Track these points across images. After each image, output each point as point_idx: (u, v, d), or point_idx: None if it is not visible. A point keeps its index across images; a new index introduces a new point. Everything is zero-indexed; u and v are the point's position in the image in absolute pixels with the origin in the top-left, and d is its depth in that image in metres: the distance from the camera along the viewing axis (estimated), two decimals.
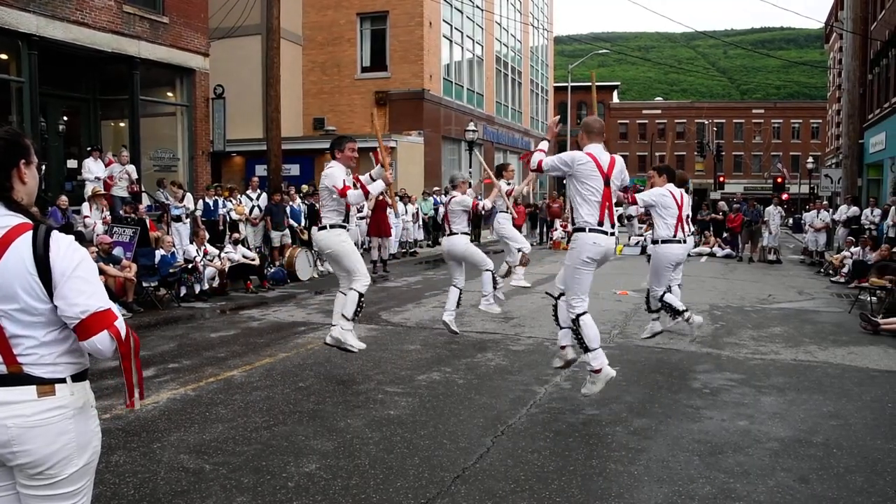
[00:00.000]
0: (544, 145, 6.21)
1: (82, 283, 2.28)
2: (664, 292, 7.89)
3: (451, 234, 8.75)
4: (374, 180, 7.32)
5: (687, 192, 9.14)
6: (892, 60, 24.51)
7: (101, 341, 2.29)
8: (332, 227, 6.99)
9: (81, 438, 2.36)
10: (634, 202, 7.55)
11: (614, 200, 5.85)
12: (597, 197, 5.71)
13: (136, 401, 2.49)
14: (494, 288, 8.98)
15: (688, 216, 8.12)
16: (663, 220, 7.53)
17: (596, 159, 5.75)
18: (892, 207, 16.26)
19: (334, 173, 6.93)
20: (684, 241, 7.59)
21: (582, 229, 5.78)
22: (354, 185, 7.11)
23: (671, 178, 7.93)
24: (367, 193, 7.13)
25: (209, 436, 5.29)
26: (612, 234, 5.81)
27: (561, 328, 6.34)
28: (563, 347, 6.38)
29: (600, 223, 5.71)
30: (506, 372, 7.27)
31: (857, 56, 21.84)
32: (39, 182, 2.49)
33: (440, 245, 21.53)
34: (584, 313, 5.88)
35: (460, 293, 8.89)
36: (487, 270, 8.81)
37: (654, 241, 7.82)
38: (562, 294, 6.22)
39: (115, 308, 2.36)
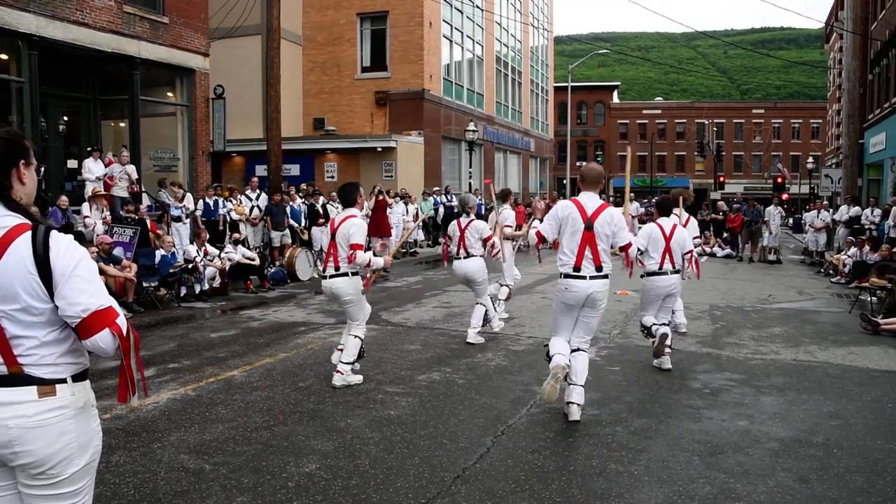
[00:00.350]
0: (535, 223, 6.35)
1: (83, 282, 2.28)
2: (654, 323, 7.68)
3: (469, 256, 8.75)
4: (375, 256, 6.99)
5: (686, 208, 9.31)
6: (892, 60, 24.50)
7: (104, 339, 2.29)
8: (353, 274, 6.79)
9: (82, 438, 2.36)
10: (629, 262, 7.08)
11: (600, 246, 5.69)
12: (576, 241, 5.69)
13: (135, 398, 2.49)
14: (484, 323, 8.80)
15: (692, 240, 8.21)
16: (649, 255, 7.53)
17: (580, 206, 5.75)
18: (893, 207, 16.25)
19: (362, 228, 6.83)
20: (671, 273, 7.52)
21: (560, 275, 5.83)
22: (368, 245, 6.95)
23: (663, 212, 7.94)
24: (367, 264, 6.80)
25: (209, 436, 5.30)
26: (594, 276, 5.69)
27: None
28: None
29: (577, 268, 5.68)
30: (506, 372, 7.27)
31: (857, 56, 21.85)
32: (39, 183, 2.50)
33: (439, 246, 21.59)
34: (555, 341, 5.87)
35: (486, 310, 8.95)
36: (481, 304, 8.74)
37: (642, 275, 7.80)
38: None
39: (115, 305, 2.37)
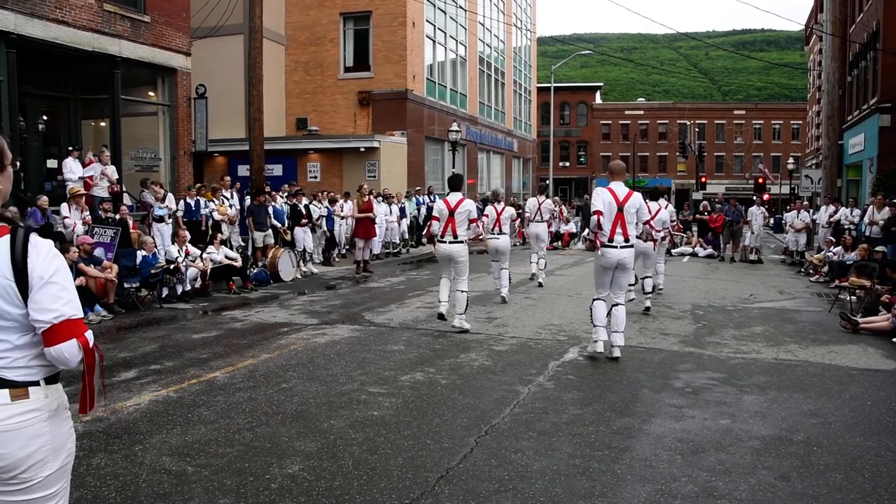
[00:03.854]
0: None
1: (59, 289, 2.26)
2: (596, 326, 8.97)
3: (502, 233, 12.07)
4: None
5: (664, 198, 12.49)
6: (870, 63, 24.78)
7: (69, 349, 2.26)
8: (464, 242, 9.38)
9: (56, 441, 2.33)
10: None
11: (630, 223, 7.61)
12: (610, 220, 7.54)
13: (88, 408, 2.45)
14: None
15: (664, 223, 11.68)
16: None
17: (614, 193, 7.64)
18: (871, 207, 16.44)
19: (474, 206, 9.62)
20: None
21: (599, 243, 7.65)
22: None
23: (654, 196, 11.68)
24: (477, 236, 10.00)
25: (191, 438, 5.26)
26: (623, 246, 7.62)
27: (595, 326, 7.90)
28: (596, 341, 7.87)
29: (611, 240, 7.56)
30: (489, 372, 7.28)
31: (836, 58, 22.06)
32: (18, 182, 2.47)
33: (423, 246, 21.54)
34: (597, 300, 7.88)
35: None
36: (462, 292, 9.44)
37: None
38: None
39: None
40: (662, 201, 12.14)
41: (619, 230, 7.55)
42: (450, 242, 9.27)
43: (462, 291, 9.29)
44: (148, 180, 14.92)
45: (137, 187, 15.70)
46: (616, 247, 7.57)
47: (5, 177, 2.38)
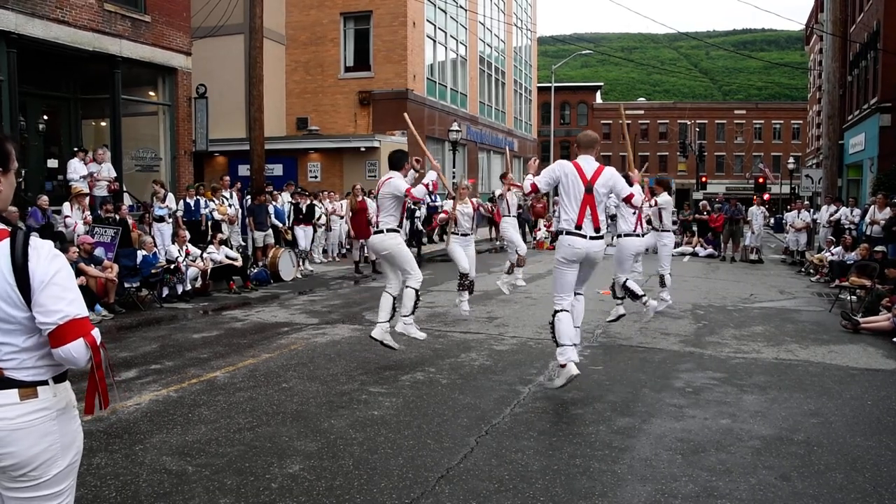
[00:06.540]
0: (529, 176, 6.56)
1: (61, 289, 2.26)
2: (626, 279, 8.77)
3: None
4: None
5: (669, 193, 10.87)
6: (870, 62, 24.78)
7: (77, 349, 2.26)
8: (388, 230, 7.40)
9: (65, 439, 2.35)
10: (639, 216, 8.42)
11: (599, 207, 6.13)
12: (577, 203, 6.10)
13: (97, 408, 2.46)
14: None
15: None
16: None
17: (580, 169, 6.14)
18: (872, 207, 16.43)
19: (398, 183, 7.37)
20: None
21: (561, 232, 6.27)
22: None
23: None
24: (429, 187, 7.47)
25: (192, 437, 5.26)
26: (594, 237, 6.14)
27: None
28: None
29: (578, 227, 6.11)
30: (490, 372, 7.28)
31: (836, 58, 22.06)
32: (18, 184, 2.46)
33: (424, 246, 21.52)
34: (561, 311, 6.28)
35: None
36: (411, 288, 7.64)
37: (618, 235, 8.82)
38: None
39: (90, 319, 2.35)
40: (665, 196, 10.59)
41: (587, 216, 6.06)
42: (375, 233, 7.55)
43: (411, 288, 7.53)
44: (155, 182, 14.87)
45: (138, 187, 15.71)
46: (585, 236, 6.09)
47: (8, 181, 2.37)
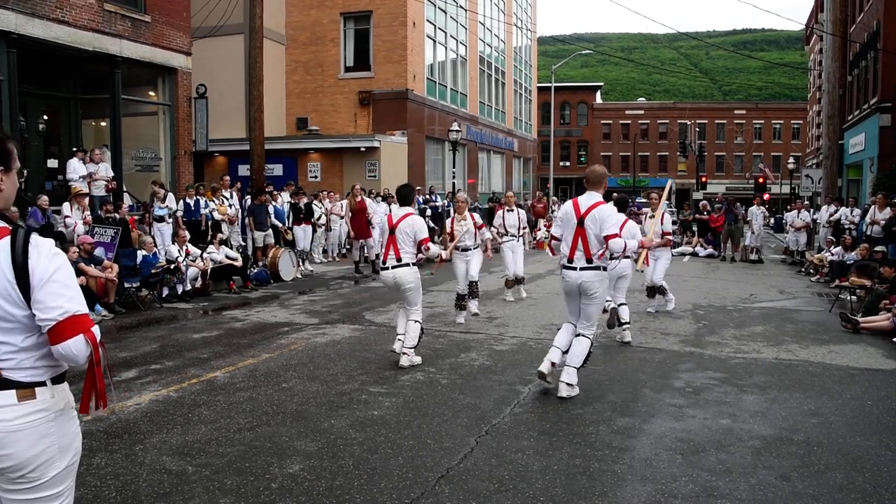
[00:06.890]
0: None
1: (61, 287, 2.25)
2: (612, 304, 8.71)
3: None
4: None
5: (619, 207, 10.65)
6: (870, 62, 24.77)
7: (76, 345, 2.25)
8: (413, 265, 7.53)
9: (63, 440, 2.34)
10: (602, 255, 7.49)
11: (591, 240, 6.26)
12: (570, 236, 6.40)
13: (93, 408, 2.45)
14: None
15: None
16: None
17: (576, 205, 6.42)
18: (872, 207, 16.43)
19: (422, 225, 7.60)
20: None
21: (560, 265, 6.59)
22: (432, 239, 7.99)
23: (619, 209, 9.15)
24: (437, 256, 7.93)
25: (192, 437, 5.26)
26: (584, 268, 6.31)
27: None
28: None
29: (570, 260, 6.39)
30: (490, 372, 7.28)
31: (836, 58, 22.06)
32: (19, 184, 2.46)
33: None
34: (567, 323, 6.68)
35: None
36: (416, 322, 7.66)
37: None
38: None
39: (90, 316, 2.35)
40: (666, 207, 10.44)
41: (579, 248, 6.30)
42: (392, 267, 7.45)
43: (415, 321, 7.58)
44: (156, 183, 14.86)
45: (138, 187, 15.70)
46: (575, 268, 6.33)
47: (10, 180, 2.37)
